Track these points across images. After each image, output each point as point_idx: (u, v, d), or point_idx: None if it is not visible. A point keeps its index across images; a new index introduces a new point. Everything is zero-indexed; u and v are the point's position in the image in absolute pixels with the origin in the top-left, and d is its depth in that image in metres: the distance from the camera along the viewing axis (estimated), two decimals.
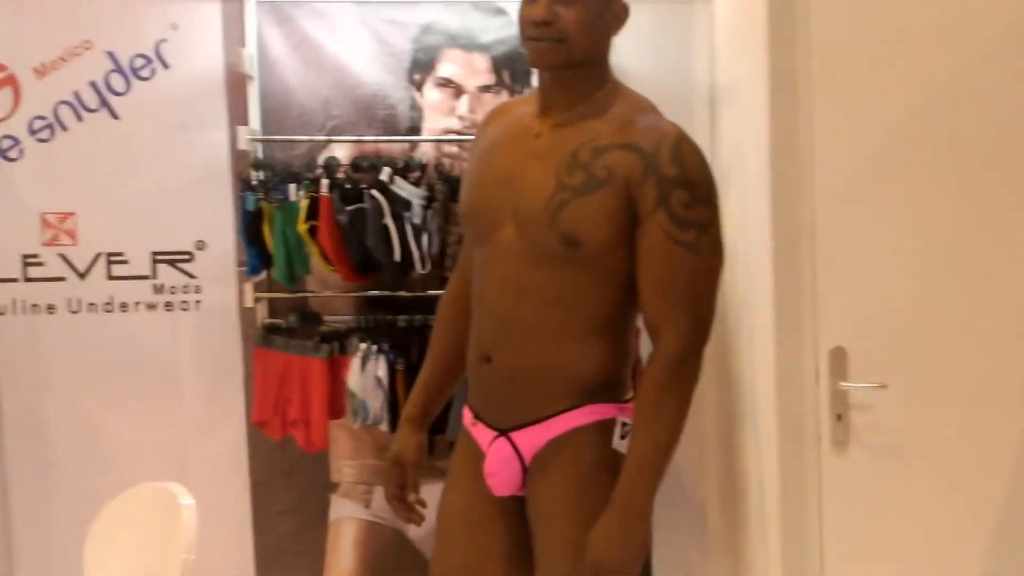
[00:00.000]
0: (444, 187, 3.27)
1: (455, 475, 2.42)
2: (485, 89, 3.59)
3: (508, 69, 3.59)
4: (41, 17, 3.45)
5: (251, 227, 3.28)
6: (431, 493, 3.57)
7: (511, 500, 2.30)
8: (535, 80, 3.45)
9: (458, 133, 3.55)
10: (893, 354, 2.43)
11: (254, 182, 3.28)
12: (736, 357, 3.09)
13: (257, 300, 3.45)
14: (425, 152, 3.49)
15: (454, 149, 3.53)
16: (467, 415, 2.38)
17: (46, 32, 3.45)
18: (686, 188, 2.05)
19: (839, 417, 2.47)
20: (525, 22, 2.15)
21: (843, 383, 2.45)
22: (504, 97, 3.58)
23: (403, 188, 3.26)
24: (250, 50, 3.45)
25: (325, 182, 3.24)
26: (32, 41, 3.45)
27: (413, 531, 3.69)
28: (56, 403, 3.56)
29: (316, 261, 3.28)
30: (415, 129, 3.57)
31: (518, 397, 2.24)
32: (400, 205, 3.24)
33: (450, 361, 2.47)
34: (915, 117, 2.39)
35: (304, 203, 3.22)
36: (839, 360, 2.46)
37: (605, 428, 2.22)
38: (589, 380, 2.21)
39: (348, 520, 3.69)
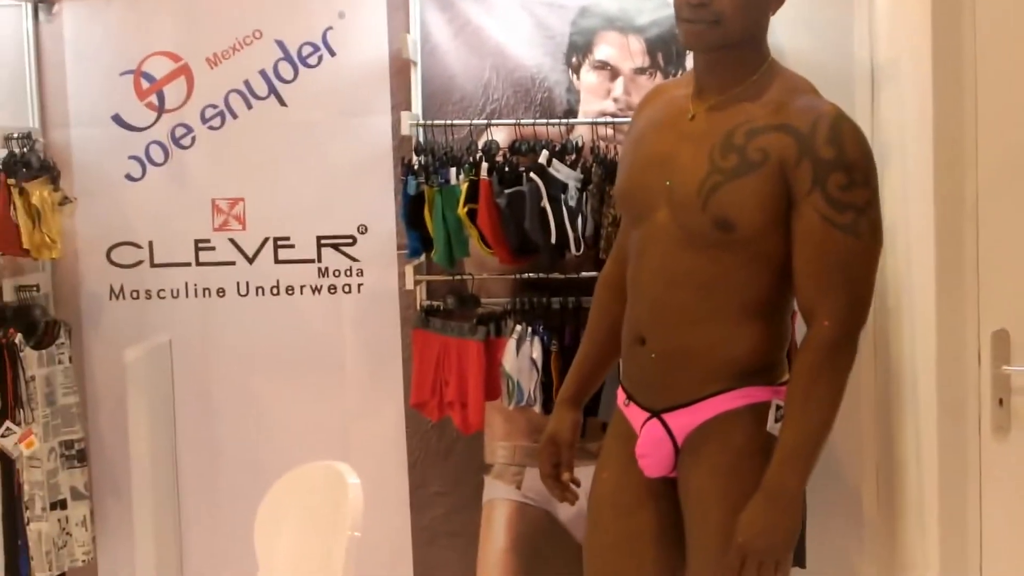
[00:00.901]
0: (600, 170, 3.36)
1: (607, 455, 2.49)
2: (640, 71, 3.67)
3: (662, 51, 3.66)
4: (213, 9, 3.67)
5: (412, 211, 3.42)
6: (582, 475, 3.69)
7: (662, 482, 2.35)
8: (690, 62, 3.57)
9: (613, 115, 3.64)
10: None
11: (415, 166, 3.43)
12: (895, 340, 3.09)
13: (417, 283, 3.59)
14: (581, 135, 3.58)
15: (609, 132, 3.62)
16: (621, 396, 2.44)
17: (218, 23, 3.66)
18: (843, 170, 2.06)
19: (1001, 402, 2.47)
20: (680, 3, 2.18)
21: (1006, 367, 2.45)
22: (659, 79, 3.66)
23: (560, 171, 3.36)
24: (413, 36, 3.60)
25: (485, 165, 3.36)
26: (205, 32, 3.67)
27: (564, 512, 3.80)
28: (225, 384, 3.78)
29: (475, 244, 3.41)
30: (571, 112, 3.67)
31: (671, 379, 2.29)
32: (557, 188, 3.34)
33: (605, 342, 2.55)
34: None
35: (464, 186, 3.35)
36: (1002, 343, 2.46)
37: (759, 411, 2.25)
38: (742, 363, 2.24)
39: (500, 501, 3.82)
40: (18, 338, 3.42)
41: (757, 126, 2.14)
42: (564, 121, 3.59)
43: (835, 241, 2.08)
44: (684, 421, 2.28)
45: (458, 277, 3.61)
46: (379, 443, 3.78)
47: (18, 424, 3.41)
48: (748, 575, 2.14)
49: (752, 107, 2.17)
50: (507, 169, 3.39)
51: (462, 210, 3.35)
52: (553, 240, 3.32)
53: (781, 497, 2.14)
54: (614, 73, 3.67)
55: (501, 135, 3.59)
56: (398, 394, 3.76)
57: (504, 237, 3.38)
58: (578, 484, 2.57)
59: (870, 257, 2.13)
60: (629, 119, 3.49)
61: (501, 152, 3.46)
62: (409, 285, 3.55)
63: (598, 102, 3.68)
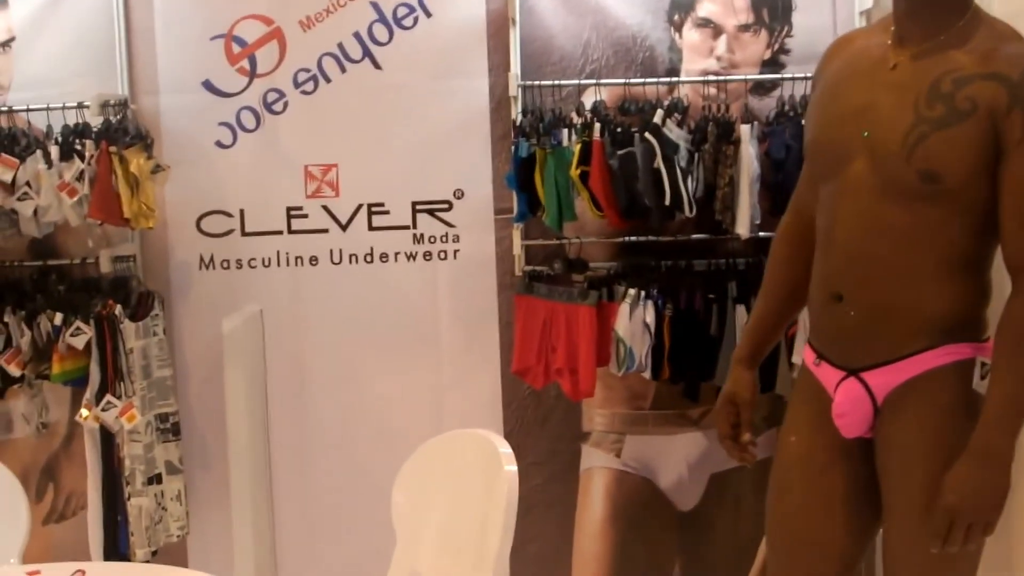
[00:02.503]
0: (716, 129, 3.46)
1: (795, 416, 2.54)
2: (744, 28, 3.77)
3: (767, 6, 3.77)
4: None
5: (522, 173, 3.52)
6: (682, 441, 3.79)
7: (855, 442, 2.39)
8: (797, 16, 3.68)
9: (716, 74, 3.74)
10: None
11: (526, 128, 3.52)
12: None
13: (524, 248, 3.69)
14: (685, 94, 3.68)
15: (712, 91, 3.72)
16: (810, 355, 2.47)
17: None
18: None
19: None
20: None
21: None
22: (763, 37, 3.77)
23: (672, 131, 3.46)
24: None
25: (597, 126, 3.46)
26: None
27: (663, 480, 3.93)
28: (317, 354, 3.88)
29: (586, 206, 3.51)
30: (674, 71, 3.77)
31: (871, 336, 2.31)
32: (670, 148, 3.43)
33: (786, 298, 2.60)
34: None
35: (577, 148, 3.45)
36: None
37: (964, 369, 2.27)
38: (946, 319, 2.26)
39: (599, 470, 3.94)
40: (117, 310, 3.52)
41: (965, 74, 2.16)
42: (670, 80, 3.69)
43: None
44: (886, 379, 2.31)
45: (566, 240, 3.71)
46: (475, 412, 3.88)
47: (119, 397, 3.51)
48: (956, 537, 2.19)
49: (958, 55, 2.19)
50: (619, 130, 3.49)
51: (575, 172, 3.45)
52: (667, 201, 3.42)
53: (991, 457, 2.18)
54: (717, 31, 3.77)
55: (603, 96, 3.69)
56: (495, 362, 3.87)
57: (615, 199, 3.48)
58: (755, 444, 2.61)
59: None
60: (733, 77, 3.63)
61: (612, 112, 3.55)
62: (517, 249, 3.64)
63: (701, 60, 3.78)
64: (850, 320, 2.33)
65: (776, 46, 3.79)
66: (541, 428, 3.89)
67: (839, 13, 3.79)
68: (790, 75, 3.65)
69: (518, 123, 3.57)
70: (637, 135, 3.44)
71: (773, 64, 3.78)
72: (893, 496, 2.34)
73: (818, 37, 3.76)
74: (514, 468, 2.55)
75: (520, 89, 3.61)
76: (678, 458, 3.92)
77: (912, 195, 2.21)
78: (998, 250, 2.26)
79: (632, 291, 3.51)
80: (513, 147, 3.55)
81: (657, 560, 3.96)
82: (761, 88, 3.76)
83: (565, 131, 3.49)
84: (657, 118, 3.45)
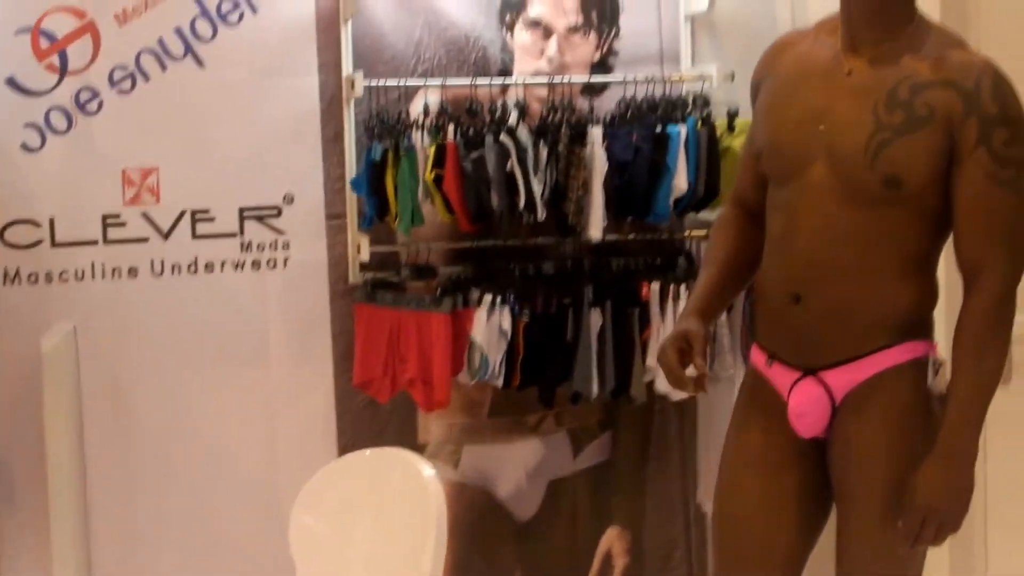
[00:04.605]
0: (568, 131, 3.66)
1: (744, 416, 2.68)
2: (574, 30, 4.00)
3: (596, 9, 4.01)
4: None
5: (374, 177, 3.61)
6: (520, 449, 3.98)
7: (809, 443, 2.55)
8: (624, 19, 3.94)
9: (547, 75, 3.95)
10: None
11: (377, 130, 3.62)
12: None
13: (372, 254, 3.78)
14: (517, 95, 3.87)
15: (543, 92, 3.93)
16: (760, 356, 2.62)
17: None
18: (1007, 126, 2.29)
19: None
20: None
21: None
22: (592, 39, 4.01)
23: (522, 133, 3.64)
24: None
25: (451, 128, 3.59)
26: None
27: (502, 489, 4.10)
28: (138, 372, 3.81)
29: (439, 210, 3.64)
30: (506, 71, 3.95)
31: (831, 336, 2.47)
32: (522, 150, 3.61)
33: (733, 269, 2.69)
34: None
35: (431, 150, 3.57)
36: None
37: (920, 366, 2.46)
38: (904, 317, 2.45)
39: None
40: None
41: (921, 81, 2.34)
42: (534, 81, 3.92)
43: (999, 198, 2.31)
44: (845, 378, 2.47)
45: (405, 247, 3.84)
46: (308, 426, 3.93)
47: None
48: (927, 535, 2.37)
49: (912, 61, 2.37)
50: (471, 132, 3.64)
51: (429, 175, 3.58)
52: (522, 203, 3.59)
53: (957, 456, 2.36)
54: (547, 32, 3.98)
55: (434, 97, 3.83)
56: (328, 373, 3.94)
57: (466, 202, 3.63)
58: (706, 377, 2.56)
59: None
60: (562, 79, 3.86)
61: (459, 115, 3.70)
62: (365, 256, 3.72)
63: (532, 61, 3.98)
64: (809, 321, 2.48)
65: (605, 48, 4.04)
66: (377, 440, 3.94)
67: (664, 17, 4.08)
68: (630, 77, 3.91)
69: (369, 124, 3.67)
70: (491, 137, 3.60)
71: (602, 66, 4.03)
72: (851, 494, 2.51)
73: (644, 40, 4.08)
74: (440, 487, 2.65)
75: (365, 90, 3.69)
76: (516, 466, 4.10)
77: (873, 199, 2.39)
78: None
79: (488, 297, 3.66)
80: (366, 150, 3.64)
81: (496, 572, 4.13)
82: (591, 90, 4.00)
83: (417, 133, 3.61)
84: (512, 119, 3.62)
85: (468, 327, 3.67)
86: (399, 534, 2.68)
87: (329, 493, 2.89)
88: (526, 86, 3.92)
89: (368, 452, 2.94)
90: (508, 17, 3.96)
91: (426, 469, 2.71)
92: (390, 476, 2.78)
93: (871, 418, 2.47)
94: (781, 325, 2.56)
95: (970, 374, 2.36)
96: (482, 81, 3.82)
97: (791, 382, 2.54)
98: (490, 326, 3.66)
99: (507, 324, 3.67)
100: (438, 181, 3.59)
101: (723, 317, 3.74)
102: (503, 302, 3.68)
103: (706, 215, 3.87)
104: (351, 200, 3.81)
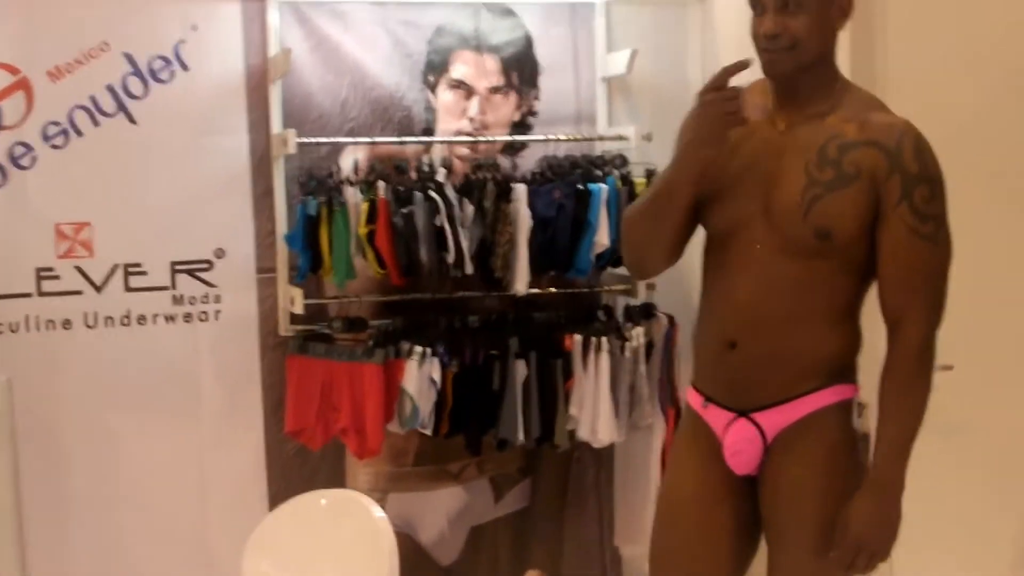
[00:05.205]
0: (495, 188, 3.83)
1: (682, 456, 2.87)
2: (495, 90, 4.19)
3: (517, 71, 4.21)
4: (56, 18, 3.78)
5: (309, 231, 3.75)
6: (443, 497, 4.12)
7: (740, 480, 2.74)
8: (543, 80, 4.15)
9: (469, 134, 4.13)
10: (959, 336, 2.93)
11: (313, 187, 3.77)
12: None
13: (307, 307, 3.89)
14: (440, 154, 4.04)
15: (465, 151, 4.11)
16: (696, 399, 2.81)
17: (61, 33, 3.78)
18: (926, 183, 2.51)
19: None
20: (756, 35, 2.63)
21: None
22: (513, 99, 4.20)
23: (449, 189, 3.80)
24: (275, 49, 3.90)
25: (381, 185, 3.75)
26: (46, 43, 3.77)
27: (424, 536, 4.24)
28: (73, 423, 3.89)
29: (370, 264, 3.78)
30: (429, 131, 4.12)
31: (764, 379, 2.66)
32: (449, 206, 3.77)
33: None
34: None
35: (364, 207, 3.72)
36: None
37: (846, 408, 2.67)
38: (832, 362, 2.65)
39: None
40: None
41: (848, 141, 2.56)
42: (461, 139, 4.11)
43: (919, 250, 2.54)
44: (777, 419, 2.67)
45: (346, 299, 3.98)
46: (239, 474, 4.05)
47: None
48: (860, 563, 2.57)
49: (838, 122, 2.59)
50: (401, 188, 3.80)
51: (363, 230, 3.72)
52: (452, 258, 3.76)
53: (890, 490, 2.57)
54: (469, 92, 4.16)
55: (360, 154, 3.99)
56: (258, 422, 4.06)
57: (397, 257, 3.78)
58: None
59: (947, 264, 2.63)
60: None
61: (389, 170, 3.85)
62: (299, 309, 3.84)
63: (454, 121, 4.15)
64: (744, 366, 2.68)
65: (525, 108, 4.23)
66: (307, 487, 4.05)
67: (582, 79, 4.28)
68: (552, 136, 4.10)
69: (302, 181, 3.82)
70: (420, 194, 3.76)
71: (522, 125, 4.23)
72: (783, 527, 2.71)
73: (562, 99, 4.27)
74: (390, 527, 2.79)
75: (298, 147, 3.81)
76: (439, 513, 4.25)
77: (806, 250, 2.59)
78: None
79: (419, 348, 3.81)
80: (301, 205, 3.78)
81: None
82: (511, 148, 4.19)
83: (350, 190, 3.76)
84: (441, 176, 3.79)
85: (399, 377, 3.81)
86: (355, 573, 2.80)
87: (282, 535, 3.00)
88: (450, 144, 4.08)
89: (320, 494, 3.02)
90: (431, 78, 4.13)
91: (376, 510, 2.84)
92: (342, 518, 2.89)
93: (802, 456, 2.66)
94: (718, 370, 2.76)
95: (898, 414, 2.58)
96: (410, 139, 3.98)
97: (726, 422, 2.74)
98: (421, 376, 3.80)
99: (437, 374, 3.81)
100: (370, 236, 3.73)
101: (642, 368, 3.94)
102: (433, 353, 3.82)
103: (623, 271, 4.06)
104: (281, 254, 3.95)
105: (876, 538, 2.59)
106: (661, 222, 2.74)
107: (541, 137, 4.16)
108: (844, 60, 2.81)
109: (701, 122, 2.59)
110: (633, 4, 4.28)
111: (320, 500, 3.03)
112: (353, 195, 3.76)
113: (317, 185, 3.79)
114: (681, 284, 3.68)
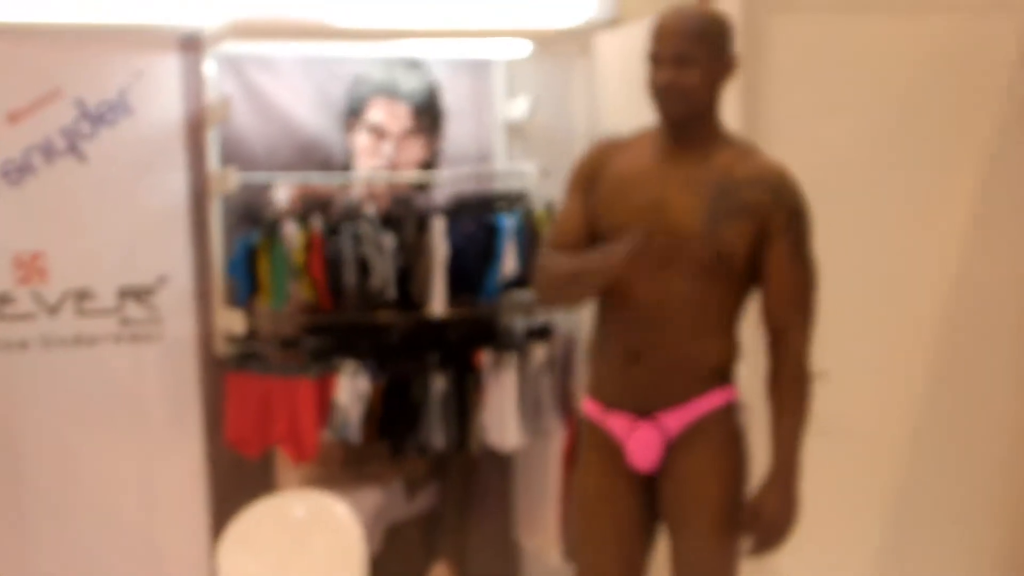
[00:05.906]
0: (415, 220, 4.33)
1: (590, 461, 3.19)
2: (407, 134, 4.70)
3: (426, 115, 4.73)
4: (14, 65, 4.17)
5: (250, 260, 4.21)
6: (363, 497, 4.60)
7: (639, 480, 3.11)
8: (448, 125, 4.67)
9: (389, 172, 4.65)
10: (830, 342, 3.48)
11: (257, 221, 4.23)
12: None
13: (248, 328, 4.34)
14: (358, 191, 4.54)
15: (382, 188, 4.62)
16: (594, 408, 3.16)
17: (19, 80, 4.18)
18: (802, 216, 2.97)
19: None
20: (653, 85, 2.93)
21: None
22: (422, 141, 4.72)
23: (375, 222, 4.30)
24: (212, 96, 4.35)
25: (315, 219, 4.22)
26: (5, 89, 4.17)
27: None
28: (28, 438, 4.28)
29: (304, 290, 4.24)
30: (347, 170, 4.61)
31: (666, 385, 3.04)
32: (374, 238, 4.26)
33: None
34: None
35: (301, 238, 4.19)
36: None
37: (733, 408, 3.10)
38: (720, 367, 3.07)
39: None
40: None
41: (738, 178, 2.94)
42: (391, 175, 4.61)
43: (799, 271, 2.98)
44: (678, 418, 3.05)
45: (282, 321, 4.44)
46: (182, 483, 4.49)
47: None
48: (771, 544, 2.99)
49: (725, 160, 2.97)
50: (330, 222, 4.27)
51: (300, 259, 4.19)
52: (375, 284, 4.24)
53: (792, 475, 2.98)
54: (383, 135, 4.67)
55: (285, 192, 4.44)
56: (198, 435, 4.50)
57: (328, 283, 4.25)
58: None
59: (817, 281, 3.10)
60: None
61: (314, 206, 4.33)
62: (240, 329, 4.28)
63: (370, 161, 4.65)
64: (647, 373, 3.05)
65: (432, 149, 4.76)
66: (243, 491, 4.40)
67: (483, 124, 4.83)
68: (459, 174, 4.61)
69: (242, 214, 4.31)
70: (347, 226, 4.24)
71: (430, 165, 4.74)
72: (685, 515, 3.09)
73: (466, 141, 4.80)
74: (355, 521, 3.14)
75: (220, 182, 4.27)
76: (360, 512, 4.68)
77: (704, 271, 2.97)
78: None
79: (350, 364, 4.29)
80: (243, 236, 4.24)
81: None
82: (421, 185, 4.70)
83: (290, 224, 4.22)
84: (367, 211, 4.28)
85: (331, 391, 4.27)
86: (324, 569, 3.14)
87: (255, 534, 3.35)
88: (368, 182, 4.58)
89: (287, 495, 3.40)
90: (350, 121, 4.62)
91: (340, 507, 3.24)
92: (308, 517, 3.24)
93: (703, 449, 3.07)
94: (620, 380, 3.12)
95: (793, 413, 3.03)
96: (335, 177, 4.47)
97: (629, 426, 3.10)
98: (351, 389, 4.27)
99: (365, 387, 4.29)
100: (305, 264, 4.20)
101: (544, 381, 4.48)
102: (362, 369, 4.29)
103: (521, 295, 4.60)
104: (218, 280, 4.39)
105: (783, 521, 3.01)
106: (578, 295, 3.18)
107: (451, 174, 4.67)
108: (733, 110, 3.41)
109: (616, 261, 2.93)
110: (528, 58, 4.82)
111: (290, 500, 3.35)
112: (291, 228, 4.21)
113: (257, 218, 4.23)
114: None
